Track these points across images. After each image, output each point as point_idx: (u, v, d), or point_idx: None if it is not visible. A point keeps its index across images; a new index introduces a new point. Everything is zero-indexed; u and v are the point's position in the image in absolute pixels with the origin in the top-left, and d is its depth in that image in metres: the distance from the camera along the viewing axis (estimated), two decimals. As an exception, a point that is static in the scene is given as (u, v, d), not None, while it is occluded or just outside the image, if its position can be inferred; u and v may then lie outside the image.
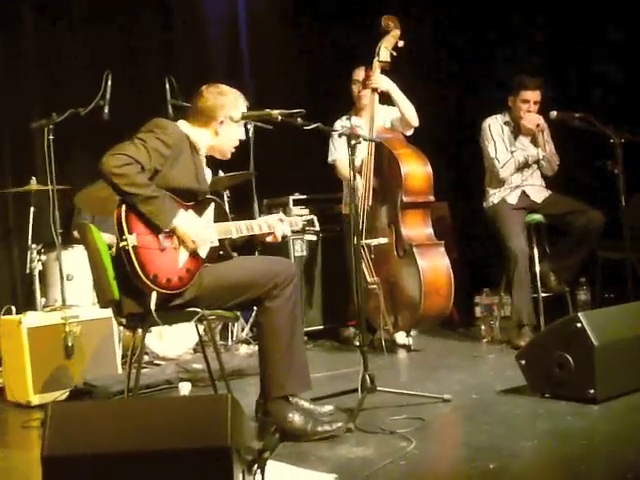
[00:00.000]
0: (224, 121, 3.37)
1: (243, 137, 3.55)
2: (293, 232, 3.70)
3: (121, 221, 3.09)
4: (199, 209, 3.33)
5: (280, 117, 3.33)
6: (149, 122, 3.26)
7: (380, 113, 5.17)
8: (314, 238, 3.77)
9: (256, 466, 2.33)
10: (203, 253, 3.27)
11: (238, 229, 3.40)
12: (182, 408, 2.34)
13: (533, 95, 5.15)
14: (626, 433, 3.01)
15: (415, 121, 5.15)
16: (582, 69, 6.14)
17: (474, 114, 5.67)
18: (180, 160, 3.24)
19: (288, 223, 3.56)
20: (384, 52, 5.04)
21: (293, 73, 6.78)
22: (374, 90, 5.09)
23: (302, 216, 3.72)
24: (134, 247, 3.07)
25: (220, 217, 3.42)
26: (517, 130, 5.20)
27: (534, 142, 5.16)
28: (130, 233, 3.08)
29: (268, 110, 3.33)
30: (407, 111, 5.11)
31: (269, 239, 3.52)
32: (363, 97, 5.26)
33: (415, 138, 5.26)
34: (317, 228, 3.70)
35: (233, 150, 3.51)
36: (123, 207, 3.11)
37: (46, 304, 4.89)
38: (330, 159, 5.39)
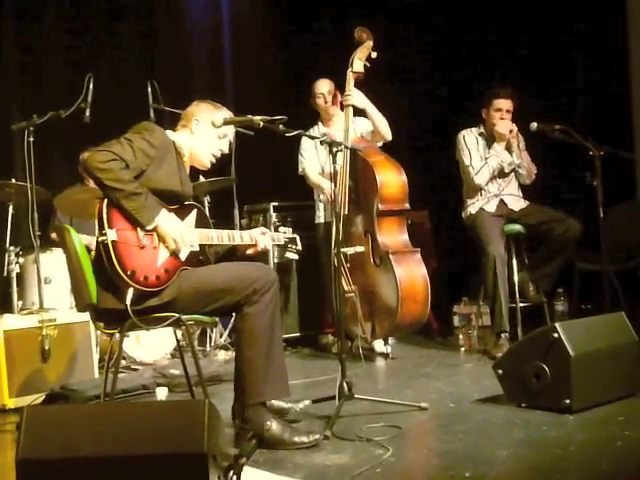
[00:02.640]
0: (199, 120, 3.42)
1: (225, 149, 3.55)
2: (274, 246, 3.71)
3: (102, 215, 3.09)
4: (181, 213, 3.34)
5: (262, 123, 3.33)
6: (137, 125, 3.29)
7: (351, 124, 5.14)
8: (296, 257, 3.75)
9: (232, 472, 2.33)
10: (183, 255, 3.26)
11: (219, 237, 3.43)
12: (158, 413, 2.33)
13: (505, 103, 5.21)
14: (601, 443, 3.03)
15: (389, 135, 5.16)
16: (563, 82, 6.20)
17: (454, 123, 5.70)
18: (165, 162, 3.26)
19: (270, 237, 3.58)
20: (358, 63, 5.02)
21: (274, 80, 6.79)
22: (348, 106, 5.06)
23: (285, 233, 3.72)
24: (113, 242, 3.06)
25: (202, 224, 3.43)
26: (491, 141, 5.24)
27: (508, 149, 5.20)
28: (110, 228, 3.07)
29: (250, 116, 3.33)
30: (381, 126, 5.12)
31: (250, 251, 3.54)
32: (330, 108, 5.28)
33: (394, 146, 5.27)
34: (299, 247, 3.70)
35: (213, 160, 3.51)
36: (105, 202, 3.10)
37: (23, 307, 4.83)
38: (300, 169, 5.41)
